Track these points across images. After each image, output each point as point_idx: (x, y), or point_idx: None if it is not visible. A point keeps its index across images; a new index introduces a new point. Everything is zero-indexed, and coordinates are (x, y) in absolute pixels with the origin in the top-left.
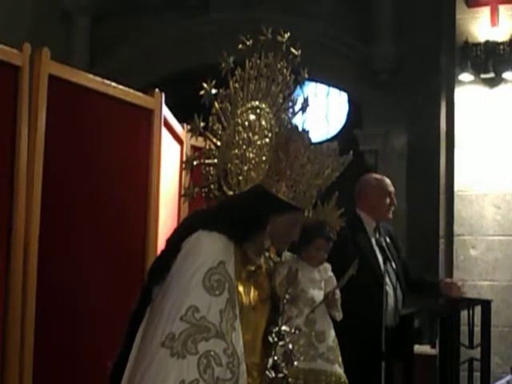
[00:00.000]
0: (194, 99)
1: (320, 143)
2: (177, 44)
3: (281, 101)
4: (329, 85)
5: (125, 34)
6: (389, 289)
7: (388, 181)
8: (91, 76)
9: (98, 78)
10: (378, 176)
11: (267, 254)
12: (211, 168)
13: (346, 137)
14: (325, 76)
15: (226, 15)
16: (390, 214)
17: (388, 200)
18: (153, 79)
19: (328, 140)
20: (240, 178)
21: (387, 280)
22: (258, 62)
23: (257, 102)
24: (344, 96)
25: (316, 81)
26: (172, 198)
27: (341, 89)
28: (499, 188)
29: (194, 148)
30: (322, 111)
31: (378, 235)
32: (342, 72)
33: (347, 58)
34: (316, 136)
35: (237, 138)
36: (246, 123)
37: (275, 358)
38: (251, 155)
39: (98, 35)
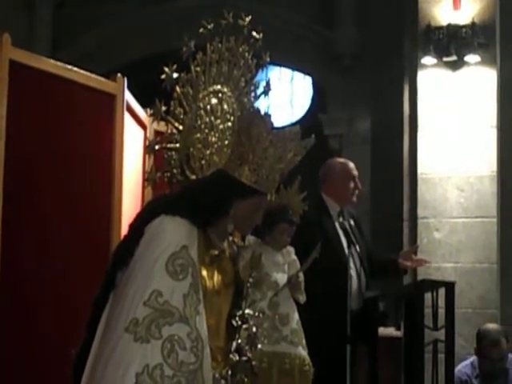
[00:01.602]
0: (157, 84)
1: (283, 128)
2: (140, 30)
3: (243, 85)
4: (293, 69)
5: (88, 20)
6: (353, 272)
7: (352, 165)
8: (53, 61)
9: (60, 64)
10: (342, 160)
11: (231, 238)
12: (173, 152)
13: (310, 121)
14: (289, 60)
15: (188, 1)
16: (354, 197)
17: (352, 184)
18: (116, 65)
19: (292, 124)
20: (203, 162)
21: (351, 263)
22: (220, 45)
23: (219, 86)
24: (308, 80)
25: (280, 65)
26: (135, 182)
27: (305, 73)
28: (462, 170)
29: (157, 133)
30: (286, 96)
31: (341, 219)
32: (305, 56)
33: (311, 42)
34: (280, 120)
35: (199, 122)
36: (208, 107)
37: (239, 341)
38: (213, 139)
39: (61, 22)
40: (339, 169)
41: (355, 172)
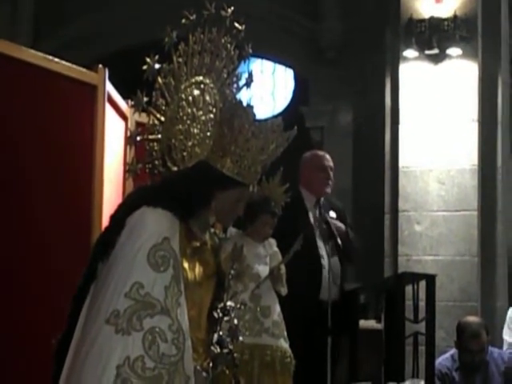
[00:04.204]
0: (139, 75)
1: (265, 120)
2: (122, 20)
3: (225, 76)
4: (275, 61)
5: (69, 11)
6: (325, 264)
7: (326, 156)
8: (33, 52)
9: (41, 54)
10: (315, 152)
11: (212, 229)
12: (155, 144)
13: (292, 114)
14: (271, 53)
15: None
16: (328, 188)
17: (323, 174)
18: (97, 56)
19: (274, 117)
20: (184, 153)
21: (325, 255)
22: (202, 36)
23: (201, 77)
24: (290, 73)
25: (262, 58)
26: (117, 174)
27: (287, 65)
28: (443, 164)
29: (138, 124)
30: (268, 88)
31: (318, 211)
32: (288, 49)
33: (293, 34)
34: (262, 113)
35: (181, 114)
36: (190, 98)
37: (220, 333)
38: (195, 131)
39: (43, 12)
40: (311, 160)
41: (327, 163)
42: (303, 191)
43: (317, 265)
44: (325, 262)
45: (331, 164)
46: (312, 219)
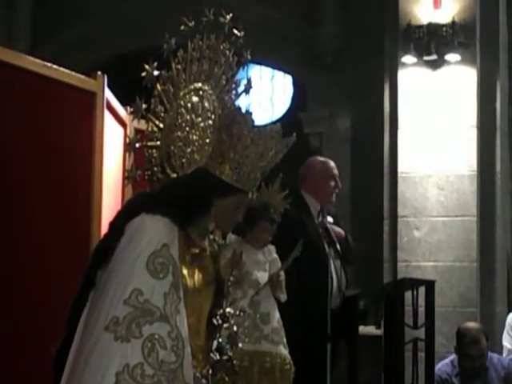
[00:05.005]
0: (137, 82)
1: (264, 126)
2: (120, 27)
3: (224, 82)
4: (273, 68)
5: (67, 17)
6: (333, 271)
7: (333, 164)
8: (32, 59)
9: (40, 61)
10: (323, 159)
11: (211, 236)
12: (154, 150)
13: (290, 120)
14: (269, 59)
15: None
16: (334, 197)
17: (332, 183)
18: (96, 62)
19: (273, 123)
20: (183, 160)
21: (331, 262)
22: (201, 43)
23: (199, 84)
24: (289, 79)
25: (261, 64)
26: (116, 181)
27: (285, 71)
28: (442, 169)
29: (137, 131)
30: (267, 94)
31: (321, 217)
32: (286, 55)
33: (291, 40)
34: (261, 119)
35: (180, 120)
36: (189, 105)
37: (220, 340)
38: (194, 137)
39: (41, 19)
40: (320, 167)
41: (336, 171)
42: (307, 197)
43: (326, 272)
44: (331, 268)
45: (337, 172)
46: (318, 226)
